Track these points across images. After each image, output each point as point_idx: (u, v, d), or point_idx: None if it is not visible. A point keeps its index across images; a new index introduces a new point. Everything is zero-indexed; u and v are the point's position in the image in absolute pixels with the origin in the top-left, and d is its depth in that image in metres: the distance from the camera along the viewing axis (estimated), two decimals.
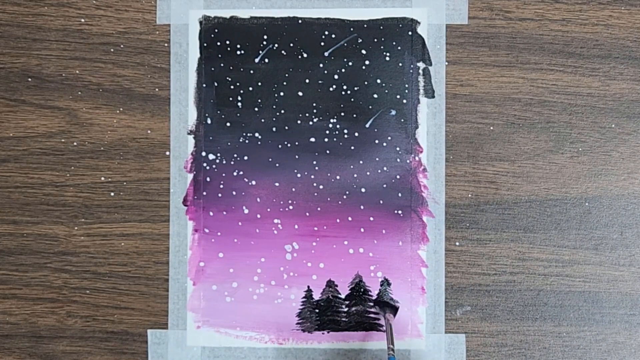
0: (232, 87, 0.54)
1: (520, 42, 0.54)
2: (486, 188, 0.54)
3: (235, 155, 0.54)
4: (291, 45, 0.54)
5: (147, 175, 0.55)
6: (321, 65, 0.54)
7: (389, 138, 0.54)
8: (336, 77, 0.54)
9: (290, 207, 0.54)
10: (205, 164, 0.54)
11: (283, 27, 0.54)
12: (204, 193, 0.54)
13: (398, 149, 0.54)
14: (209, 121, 0.54)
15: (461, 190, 0.54)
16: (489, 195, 0.54)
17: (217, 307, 0.54)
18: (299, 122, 0.54)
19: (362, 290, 0.54)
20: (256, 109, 0.54)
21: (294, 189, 0.54)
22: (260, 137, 0.54)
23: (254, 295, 0.54)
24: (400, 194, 0.54)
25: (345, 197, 0.54)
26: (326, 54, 0.54)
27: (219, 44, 0.54)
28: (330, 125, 0.54)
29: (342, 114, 0.54)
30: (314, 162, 0.54)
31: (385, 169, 0.54)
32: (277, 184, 0.54)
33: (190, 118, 0.55)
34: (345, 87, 0.54)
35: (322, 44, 0.54)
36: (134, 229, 0.55)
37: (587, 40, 0.54)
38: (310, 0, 0.54)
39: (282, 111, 0.54)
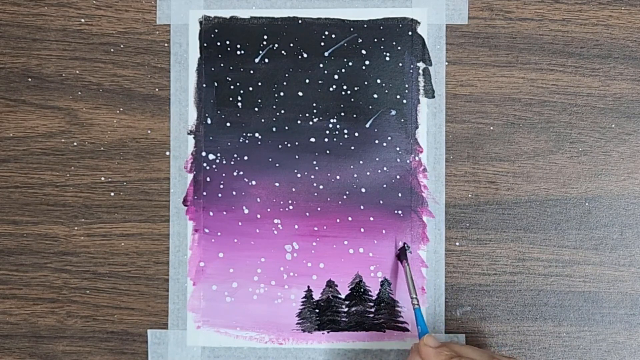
0: (232, 87, 0.54)
1: (520, 42, 0.54)
2: (486, 188, 0.54)
3: (235, 155, 0.54)
4: (291, 45, 0.54)
5: (147, 175, 0.55)
6: (321, 65, 0.54)
7: (389, 138, 0.54)
8: (336, 77, 0.54)
9: (290, 207, 0.54)
10: (205, 164, 0.54)
11: (283, 27, 0.54)
12: (204, 193, 0.54)
13: (398, 149, 0.54)
14: (209, 121, 0.54)
15: (461, 190, 0.54)
16: (489, 195, 0.54)
17: (217, 307, 0.54)
18: (299, 122, 0.54)
19: (362, 290, 0.54)
20: (256, 109, 0.54)
21: (294, 189, 0.54)
22: (260, 137, 0.54)
23: (254, 295, 0.54)
24: (400, 194, 0.54)
25: (345, 197, 0.54)
26: (326, 54, 0.54)
27: (219, 44, 0.54)
28: (330, 125, 0.54)
29: (342, 114, 0.54)
30: (314, 162, 0.54)
31: (385, 169, 0.54)
32: (277, 184, 0.54)
33: (190, 118, 0.55)
34: (345, 87, 0.54)
35: (322, 44, 0.54)
36: (134, 229, 0.55)
37: (587, 40, 0.54)
38: (310, 0, 0.54)
39: (282, 111, 0.54)
